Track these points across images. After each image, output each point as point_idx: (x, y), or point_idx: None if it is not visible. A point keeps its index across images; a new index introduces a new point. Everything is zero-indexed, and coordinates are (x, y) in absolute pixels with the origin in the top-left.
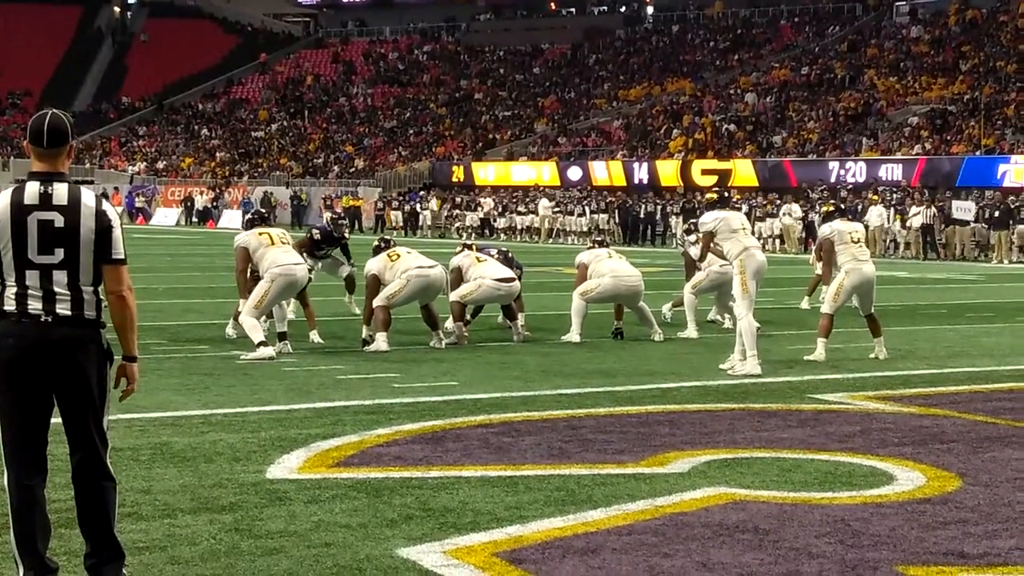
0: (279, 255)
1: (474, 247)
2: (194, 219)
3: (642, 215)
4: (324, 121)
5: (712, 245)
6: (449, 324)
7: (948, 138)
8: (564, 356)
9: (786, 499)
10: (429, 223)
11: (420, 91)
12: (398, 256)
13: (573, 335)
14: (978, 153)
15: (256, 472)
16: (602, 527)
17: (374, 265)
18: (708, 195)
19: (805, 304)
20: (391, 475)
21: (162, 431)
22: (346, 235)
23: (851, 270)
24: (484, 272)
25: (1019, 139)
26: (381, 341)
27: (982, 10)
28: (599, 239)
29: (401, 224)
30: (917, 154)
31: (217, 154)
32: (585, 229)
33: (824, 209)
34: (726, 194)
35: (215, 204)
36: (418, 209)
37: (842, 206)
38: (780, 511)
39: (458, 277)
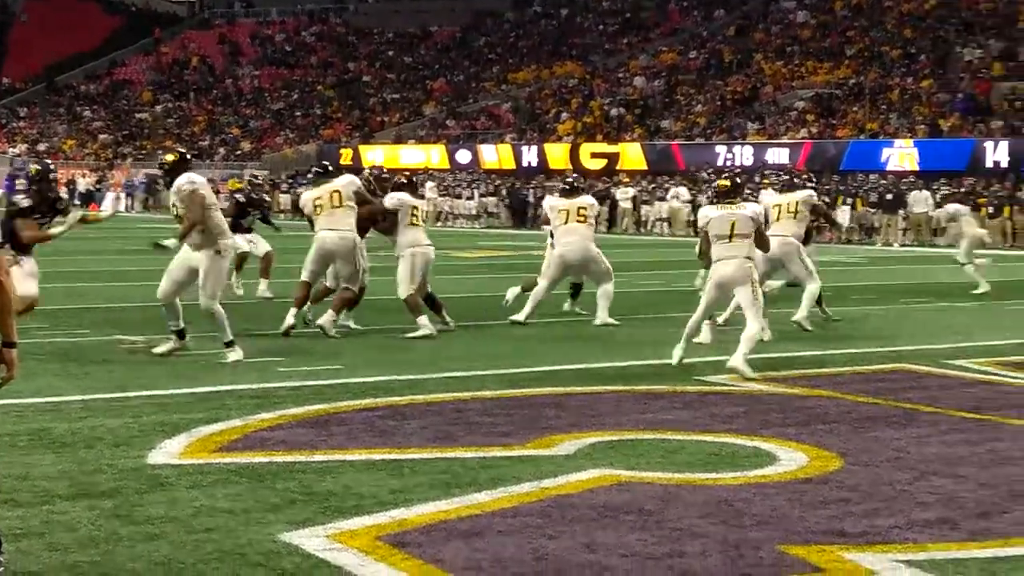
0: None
1: None
2: (76, 202)
3: (531, 199)
4: (210, 103)
5: None
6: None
7: (833, 122)
8: (451, 340)
9: (670, 480)
10: None
11: (308, 73)
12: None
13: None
14: (862, 137)
15: (137, 457)
16: (487, 509)
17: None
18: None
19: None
20: (274, 459)
21: (41, 416)
22: (266, 197)
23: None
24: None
25: (903, 123)
26: (424, 326)
27: None
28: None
29: (289, 208)
30: (803, 138)
31: (100, 136)
32: (474, 212)
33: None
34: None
35: (98, 187)
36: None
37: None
38: (664, 492)
39: None
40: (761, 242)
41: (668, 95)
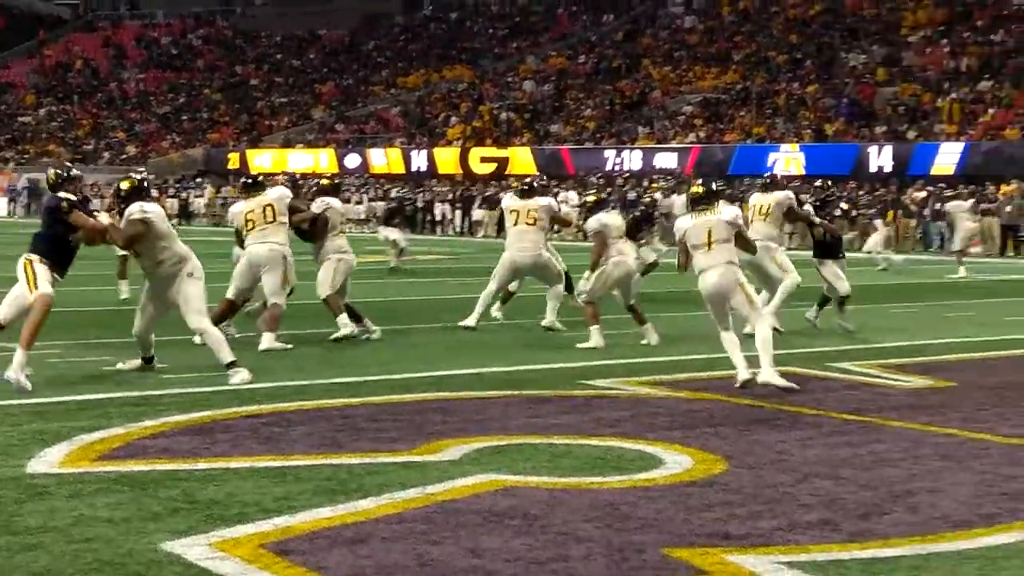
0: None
1: None
2: None
3: (420, 204)
4: (94, 106)
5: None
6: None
7: (721, 127)
8: (341, 346)
9: (556, 484)
10: (203, 211)
11: (194, 76)
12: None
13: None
14: (749, 142)
15: (15, 467)
16: (371, 516)
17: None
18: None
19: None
20: (157, 468)
21: None
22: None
23: (619, 263)
24: None
25: (789, 128)
26: (345, 325)
27: (754, 1)
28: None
29: (176, 212)
30: (691, 142)
31: None
32: (363, 217)
33: (588, 200)
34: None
35: None
36: (192, 197)
37: (606, 196)
38: (550, 496)
39: None
40: (744, 245)
41: (557, 99)
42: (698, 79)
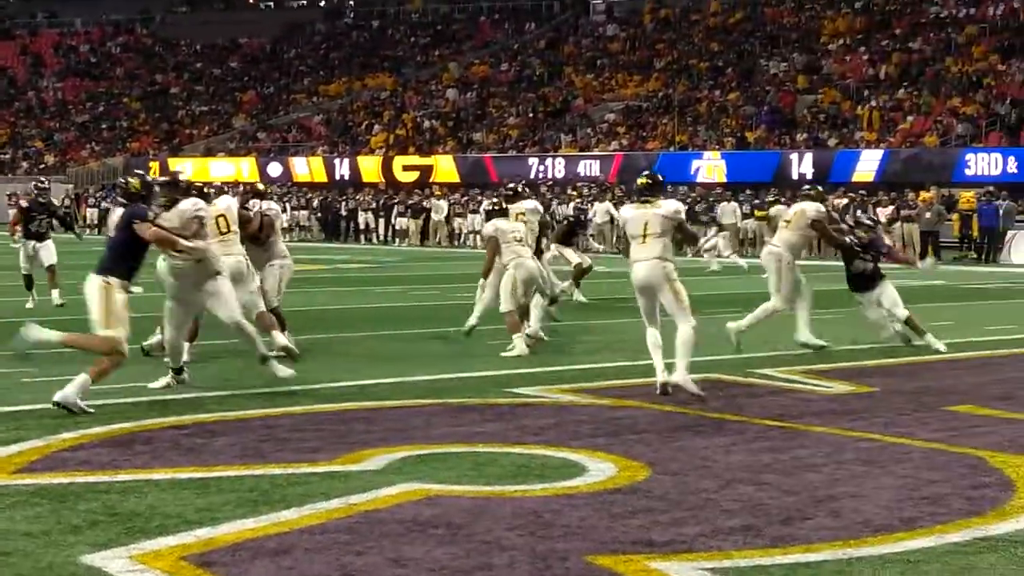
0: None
1: None
2: None
3: (343, 212)
4: (12, 115)
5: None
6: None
7: (644, 134)
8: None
9: (480, 493)
10: None
11: (113, 84)
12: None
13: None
14: (672, 149)
15: None
16: (294, 527)
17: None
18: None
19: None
20: (76, 480)
21: None
22: (55, 201)
23: (518, 264)
24: None
25: (711, 136)
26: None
27: (675, 9)
28: None
29: (96, 221)
30: (614, 150)
31: None
32: (285, 225)
33: (486, 206)
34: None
35: None
36: (113, 206)
37: (504, 205)
38: (473, 505)
39: None
40: (685, 237)
41: (480, 108)
42: (620, 87)
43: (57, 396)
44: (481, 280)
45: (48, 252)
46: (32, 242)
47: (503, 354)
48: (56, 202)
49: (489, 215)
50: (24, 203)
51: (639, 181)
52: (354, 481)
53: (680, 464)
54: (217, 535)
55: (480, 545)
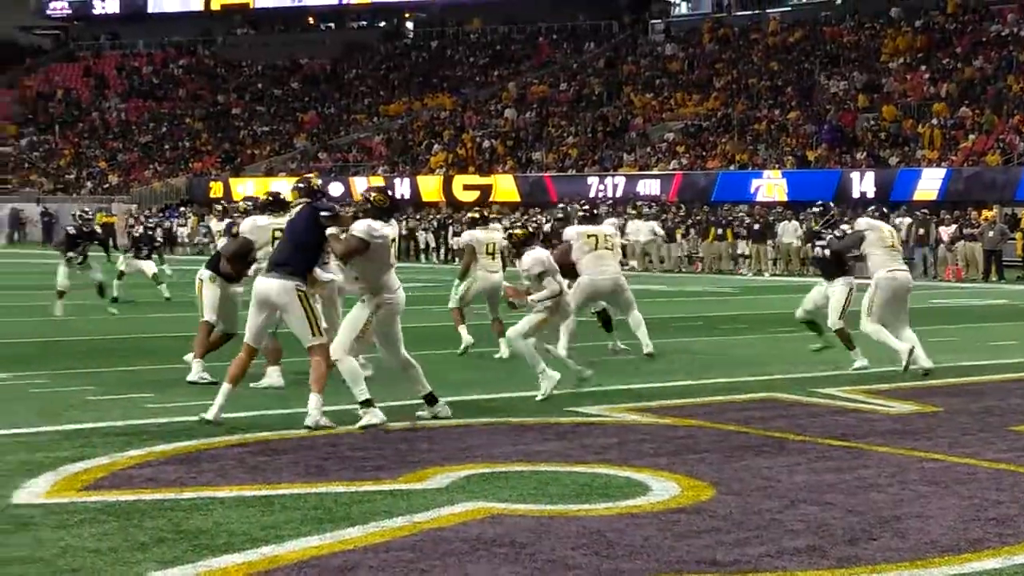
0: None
1: None
2: None
3: (403, 231)
4: (76, 136)
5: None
6: None
7: (703, 154)
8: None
9: (543, 512)
10: (186, 240)
11: (176, 105)
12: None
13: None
14: (732, 168)
15: (1, 497)
16: (359, 545)
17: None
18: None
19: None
20: (143, 497)
21: None
22: (97, 228)
23: (482, 277)
24: None
25: (771, 155)
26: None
27: (734, 28)
28: None
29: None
30: (674, 169)
31: None
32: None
33: (469, 216)
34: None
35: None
36: (175, 226)
37: (486, 214)
38: (537, 524)
39: None
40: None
41: (539, 127)
42: (680, 106)
43: (308, 422)
44: (456, 281)
45: (94, 272)
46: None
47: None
48: (98, 229)
49: (518, 244)
50: (72, 230)
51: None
52: (417, 499)
53: (743, 484)
54: (282, 552)
55: (545, 564)
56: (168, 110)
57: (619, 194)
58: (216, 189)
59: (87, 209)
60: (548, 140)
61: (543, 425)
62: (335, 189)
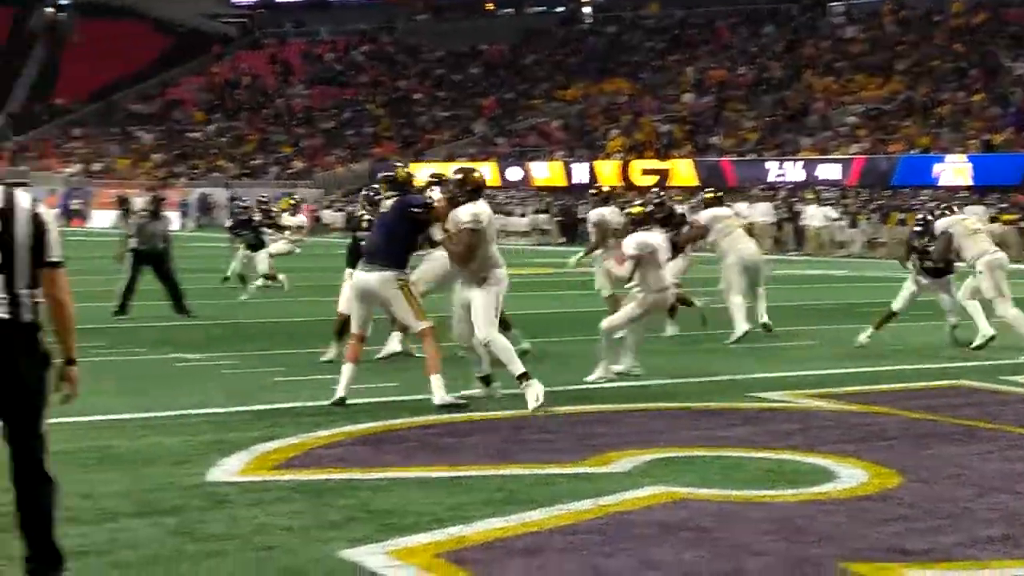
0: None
1: None
2: (128, 220)
3: (581, 215)
4: (261, 122)
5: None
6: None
7: (884, 137)
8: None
9: (728, 497)
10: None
11: (358, 92)
12: None
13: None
14: (914, 152)
15: (197, 475)
16: (544, 527)
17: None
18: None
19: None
20: (332, 477)
21: (101, 434)
22: (255, 217)
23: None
24: None
25: (954, 138)
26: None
27: (917, 10)
28: None
29: (340, 225)
30: (854, 153)
31: (153, 155)
32: (526, 229)
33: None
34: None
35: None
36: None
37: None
38: (722, 509)
39: None
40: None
41: (717, 111)
42: (860, 89)
43: (437, 401)
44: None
45: (260, 260)
46: (247, 250)
47: None
48: (256, 216)
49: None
50: (229, 222)
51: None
52: (602, 483)
53: (932, 472)
54: (469, 533)
55: (731, 550)
56: (350, 96)
57: (798, 178)
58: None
59: (244, 199)
60: (726, 124)
61: (727, 410)
62: (513, 174)
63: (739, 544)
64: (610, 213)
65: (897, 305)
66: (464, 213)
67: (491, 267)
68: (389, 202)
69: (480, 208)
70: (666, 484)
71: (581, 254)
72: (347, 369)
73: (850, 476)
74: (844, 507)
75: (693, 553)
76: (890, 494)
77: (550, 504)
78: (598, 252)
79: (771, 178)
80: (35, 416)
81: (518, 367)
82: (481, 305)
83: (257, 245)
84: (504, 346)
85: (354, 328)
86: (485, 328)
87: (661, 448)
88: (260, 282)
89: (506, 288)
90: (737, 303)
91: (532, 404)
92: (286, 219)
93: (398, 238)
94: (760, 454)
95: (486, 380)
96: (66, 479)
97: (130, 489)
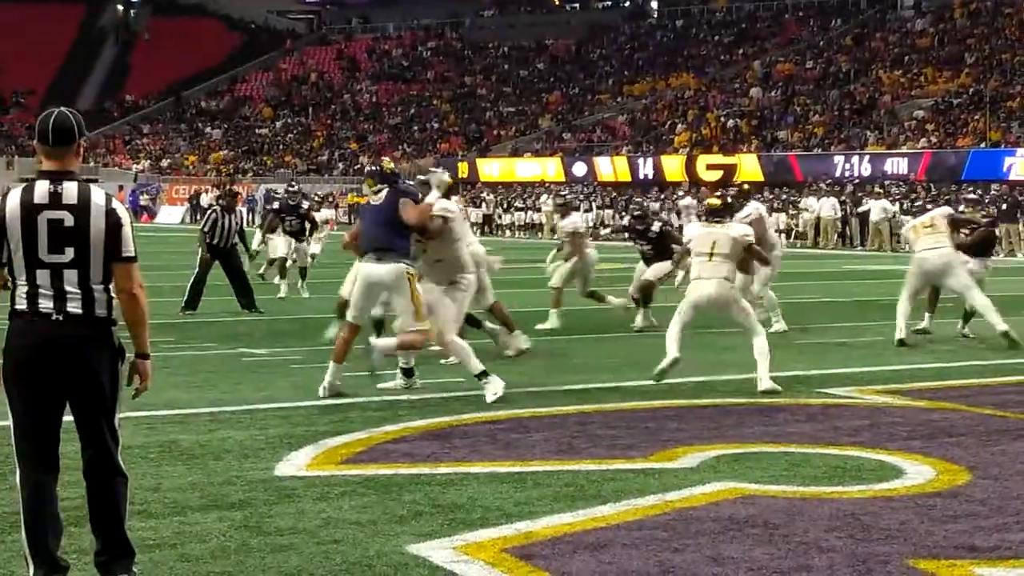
0: None
1: None
2: (199, 216)
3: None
4: (328, 118)
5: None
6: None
7: (954, 131)
8: (570, 351)
9: (795, 493)
10: None
11: (424, 87)
12: None
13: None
14: (984, 146)
15: (264, 469)
16: (611, 522)
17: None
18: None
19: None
20: (399, 471)
21: (170, 428)
22: (303, 204)
23: None
24: None
25: None
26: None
27: (987, 2)
28: None
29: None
30: (923, 147)
31: (221, 151)
32: (590, 224)
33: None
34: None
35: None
36: None
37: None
38: (789, 505)
39: None
40: (758, 259)
41: (784, 105)
42: (929, 83)
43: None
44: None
45: (301, 254)
46: (291, 240)
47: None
48: (304, 205)
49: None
50: (276, 205)
51: (709, 202)
52: (669, 478)
53: (1001, 469)
54: (536, 528)
55: (798, 546)
56: (417, 92)
57: (866, 173)
58: (463, 170)
59: (294, 183)
60: (793, 119)
61: (794, 406)
62: (579, 169)
63: (805, 540)
64: (581, 220)
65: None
66: (438, 204)
67: (460, 271)
68: (381, 195)
69: (450, 203)
70: (733, 480)
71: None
72: (333, 369)
73: (917, 473)
74: (911, 504)
75: (760, 549)
76: (958, 491)
77: (617, 499)
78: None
79: (838, 173)
80: (108, 410)
81: (476, 366)
82: (449, 310)
83: (299, 233)
84: (461, 347)
85: (351, 317)
86: (450, 332)
87: (728, 444)
88: (264, 268)
89: (472, 293)
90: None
91: (490, 398)
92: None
93: (400, 228)
94: (827, 450)
95: (408, 372)
96: (135, 473)
97: (198, 483)
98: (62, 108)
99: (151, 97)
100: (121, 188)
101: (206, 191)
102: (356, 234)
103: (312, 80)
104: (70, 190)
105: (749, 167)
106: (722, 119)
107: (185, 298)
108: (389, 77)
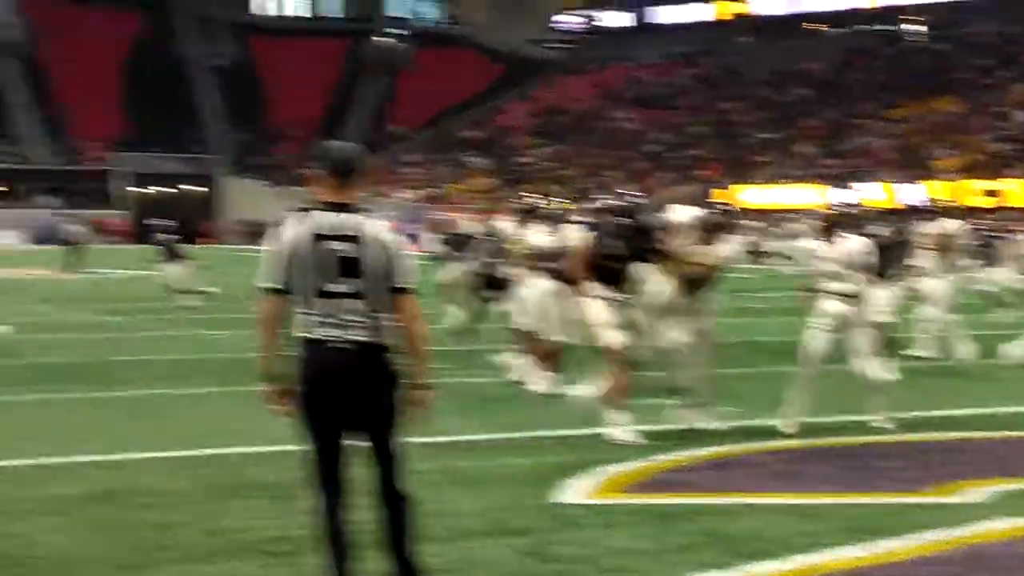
0: None
1: None
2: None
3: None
4: (586, 146)
5: None
6: None
7: None
8: (839, 384)
9: None
10: None
11: (681, 114)
12: None
13: None
14: None
15: (546, 496)
16: (901, 558)
17: None
18: None
19: None
20: (679, 501)
21: (450, 454)
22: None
23: None
24: None
25: None
26: None
27: None
28: None
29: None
30: None
31: (483, 180)
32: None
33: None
34: None
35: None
36: None
37: None
38: None
39: None
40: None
41: None
42: None
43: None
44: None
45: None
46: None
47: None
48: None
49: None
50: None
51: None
52: (956, 513)
53: None
54: (821, 562)
55: None
56: (675, 120)
57: None
58: (720, 196)
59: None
60: None
61: None
62: (841, 195)
63: None
64: None
65: None
66: None
67: None
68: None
69: None
70: (1022, 516)
71: None
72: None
73: None
74: None
75: None
76: None
77: (902, 534)
78: None
79: None
80: (391, 435)
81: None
82: None
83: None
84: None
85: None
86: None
87: (1014, 479)
88: None
89: None
90: None
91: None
92: None
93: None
94: None
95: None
96: (419, 498)
97: (481, 508)
98: (347, 142)
99: (415, 128)
100: (394, 218)
101: (466, 220)
102: None
103: (570, 109)
104: (352, 221)
105: (1017, 192)
106: (986, 143)
107: (463, 327)
108: (645, 104)
